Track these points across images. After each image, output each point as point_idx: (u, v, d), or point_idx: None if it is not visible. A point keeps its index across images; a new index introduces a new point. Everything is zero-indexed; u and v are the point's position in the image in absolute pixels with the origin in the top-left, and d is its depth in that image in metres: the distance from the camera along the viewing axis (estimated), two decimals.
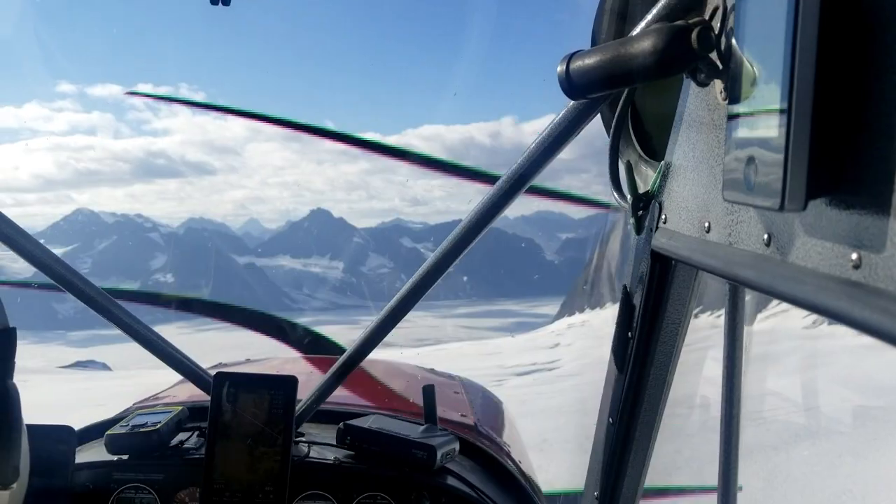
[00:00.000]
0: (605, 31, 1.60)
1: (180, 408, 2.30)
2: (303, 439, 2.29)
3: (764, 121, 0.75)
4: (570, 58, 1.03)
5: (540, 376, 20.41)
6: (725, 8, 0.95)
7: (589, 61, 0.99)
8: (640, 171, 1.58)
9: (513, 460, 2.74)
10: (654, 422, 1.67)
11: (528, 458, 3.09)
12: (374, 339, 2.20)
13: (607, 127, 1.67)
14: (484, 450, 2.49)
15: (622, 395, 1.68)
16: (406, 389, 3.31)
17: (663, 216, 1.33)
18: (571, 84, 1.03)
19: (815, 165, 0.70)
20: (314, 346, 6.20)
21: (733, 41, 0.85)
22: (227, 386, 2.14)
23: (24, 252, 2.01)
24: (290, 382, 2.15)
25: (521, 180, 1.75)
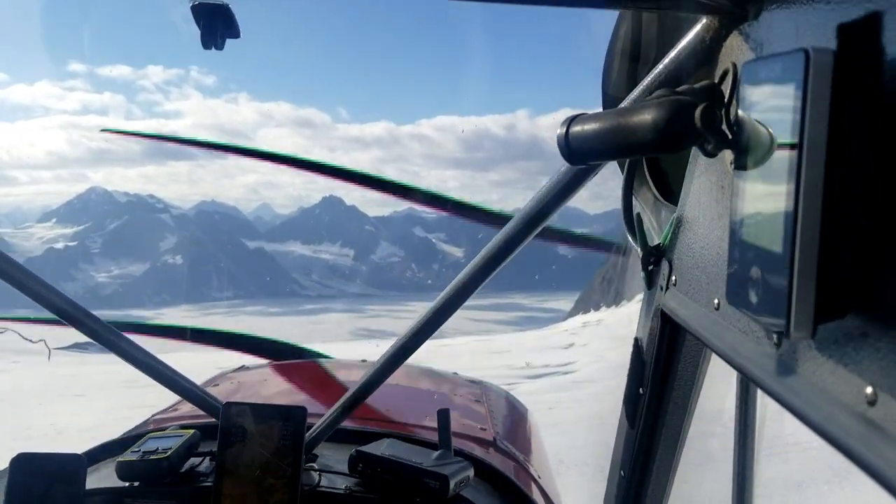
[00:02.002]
0: (615, 73, 1.58)
1: (192, 432, 2.27)
2: (314, 466, 2.24)
3: (769, 227, 0.71)
4: (571, 122, 1.00)
5: (554, 381, 18.79)
6: (736, 73, 0.92)
7: (588, 128, 0.96)
8: (654, 215, 1.57)
9: (533, 478, 2.75)
10: (667, 478, 1.66)
11: (549, 474, 3.10)
12: (386, 369, 2.13)
13: (621, 165, 1.62)
14: (500, 472, 2.44)
15: (634, 450, 1.67)
16: (425, 398, 3.36)
17: (674, 277, 1.29)
18: (570, 150, 1.00)
19: (825, 287, 0.65)
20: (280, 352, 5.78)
21: (742, 113, 0.81)
22: (236, 416, 2.13)
23: (24, 288, 1.98)
24: (299, 413, 2.13)
25: (520, 235, 1.72)
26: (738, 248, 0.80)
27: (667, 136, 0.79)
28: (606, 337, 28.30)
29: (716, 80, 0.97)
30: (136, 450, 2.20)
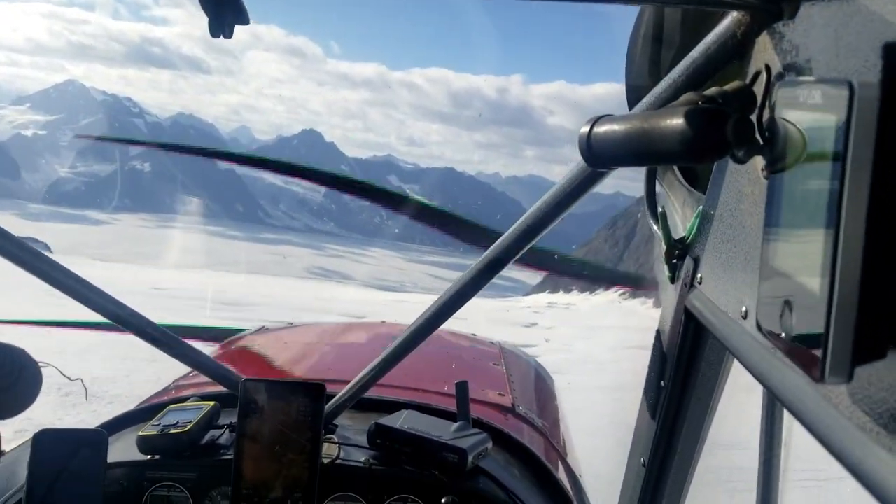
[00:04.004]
0: (638, 58, 1.55)
1: (212, 404, 2.30)
2: (333, 438, 2.29)
3: (805, 253, 0.68)
4: (595, 122, 0.97)
5: None
6: (770, 76, 0.89)
7: (613, 131, 0.93)
8: (679, 201, 1.54)
9: (552, 445, 2.83)
10: (688, 469, 1.68)
11: (569, 440, 3.17)
12: (406, 346, 2.13)
13: None
14: (518, 441, 2.51)
15: (655, 441, 1.69)
16: (444, 362, 3.49)
17: (699, 276, 1.28)
18: (592, 152, 0.98)
19: (865, 328, 0.62)
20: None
21: (774, 119, 0.79)
22: (255, 392, 2.16)
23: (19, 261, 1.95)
24: (317, 390, 2.16)
25: (529, 234, 1.73)
26: (771, 267, 0.78)
27: (696, 149, 0.76)
28: (576, 325, 26.33)
29: (747, 81, 0.94)
30: (157, 423, 2.22)
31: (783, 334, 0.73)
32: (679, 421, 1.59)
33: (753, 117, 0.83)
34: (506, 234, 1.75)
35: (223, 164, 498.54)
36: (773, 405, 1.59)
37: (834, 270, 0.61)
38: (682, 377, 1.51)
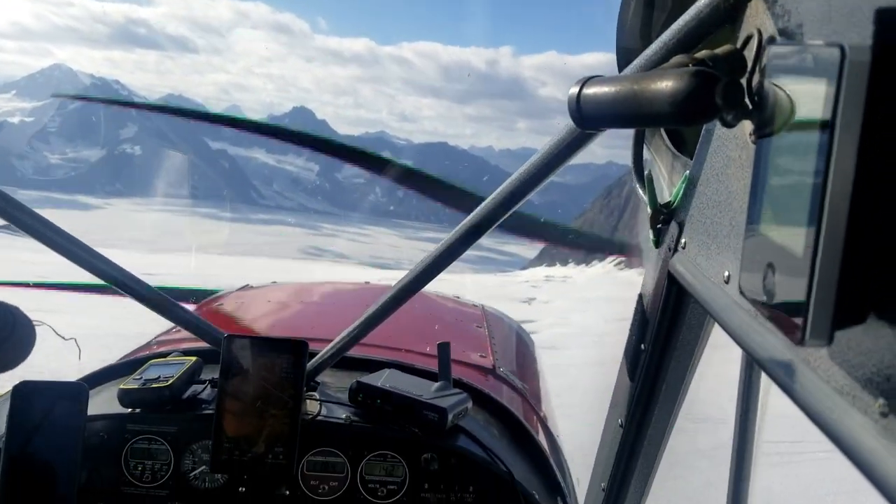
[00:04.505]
0: (630, 19, 1.53)
1: (194, 359, 2.30)
2: (314, 395, 2.30)
3: (789, 218, 0.69)
4: (584, 83, 0.97)
5: None
6: (761, 40, 0.88)
7: (603, 93, 0.93)
8: (665, 165, 1.53)
9: (531, 406, 2.86)
10: (664, 430, 1.71)
11: (548, 402, 3.22)
12: (389, 306, 2.12)
13: None
14: (498, 402, 2.53)
15: (633, 402, 1.71)
16: (427, 323, 3.46)
17: (683, 241, 1.29)
18: (582, 113, 0.98)
19: (846, 293, 0.62)
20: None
21: (764, 85, 0.79)
22: (238, 348, 2.16)
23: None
24: (300, 347, 2.17)
25: (516, 195, 1.69)
26: (755, 231, 0.79)
27: (685, 110, 0.75)
28: (572, 297, 26.29)
29: (738, 45, 0.93)
30: (138, 377, 2.23)
31: (765, 298, 0.73)
32: (658, 383, 1.60)
33: (743, 81, 0.83)
34: (493, 194, 1.71)
35: (215, 145, 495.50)
36: (751, 369, 1.61)
37: (818, 235, 0.61)
38: (662, 340, 1.53)
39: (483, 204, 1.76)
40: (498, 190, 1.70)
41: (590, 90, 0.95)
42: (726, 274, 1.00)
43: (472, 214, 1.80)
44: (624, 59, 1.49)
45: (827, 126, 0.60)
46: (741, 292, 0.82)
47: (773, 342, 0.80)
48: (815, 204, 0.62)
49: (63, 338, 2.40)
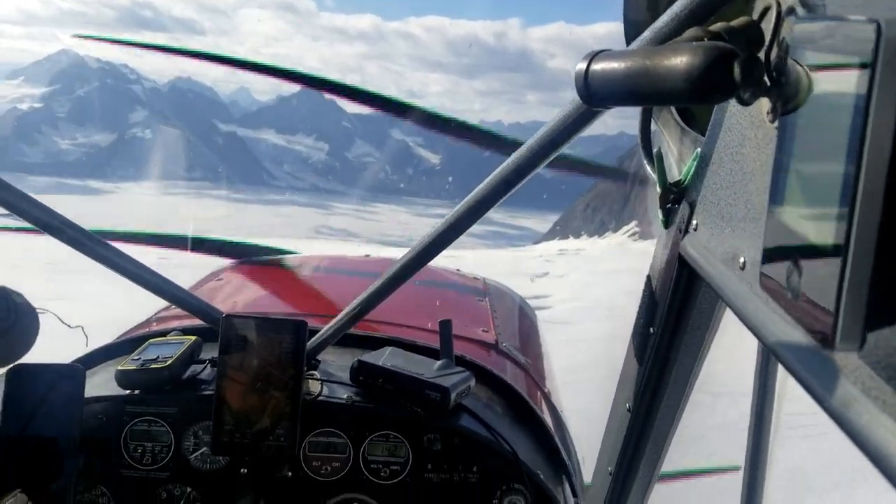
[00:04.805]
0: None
1: (193, 339, 2.27)
2: (315, 374, 2.27)
3: (815, 210, 0.65)
4: (592, 58, 0.92)
5: None
6: (780, 11, 0.82)
7: (612, 68, 0.88)
8: (675, 141, 1.49)
9: (535, 382, 2.82)
10: (673, 416, 1.68)
11: (551, 376, 3.16)
12: (391, 284, 2.09)
13: None
14: (501, 378, 2.50)
15: (641, 387, 1.67)
16: (428, 298, 3.40)
17: (694, 222, 1.24)
18: (590, 90, 0.92)
19: (879, 293, 0.58)
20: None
21: (783, 59, 0.75)
22: (237, 329, 2.13)
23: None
24: (299, 327, 2.14)
25: (520, 172, 1.63)
26: (777, 219, 0.75)
27: (701, 88, 0.71)
28: (586, 270, 26.05)
29: (755, 17, 0.87)
30: (137, 358, 2.19)
31: (788, 294, 0.70)
32: (667, 368, 1.57)
33: (761, 55, 0.78)
34: (497, 169, 1.67)
35: (224, 128, 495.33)
36: (768, 360, 1.58)
37: (850, 228, 0.57)
38: (672, 324, 1.50)
39: (487, 180, 1.69)
40: (503, 165, 1.64)
41: (598, 65, 0.90)
42: (742, 260, 0.96)
43: (474, 192, 1.74)
44: (632, 31, 1.42)
45: (860, 108, 0.56)
46: (761, 284, 0.79)
47: (795, 337, 0.75)
48: (846, 194, 0.57)
49: (69, 325, 2.33)
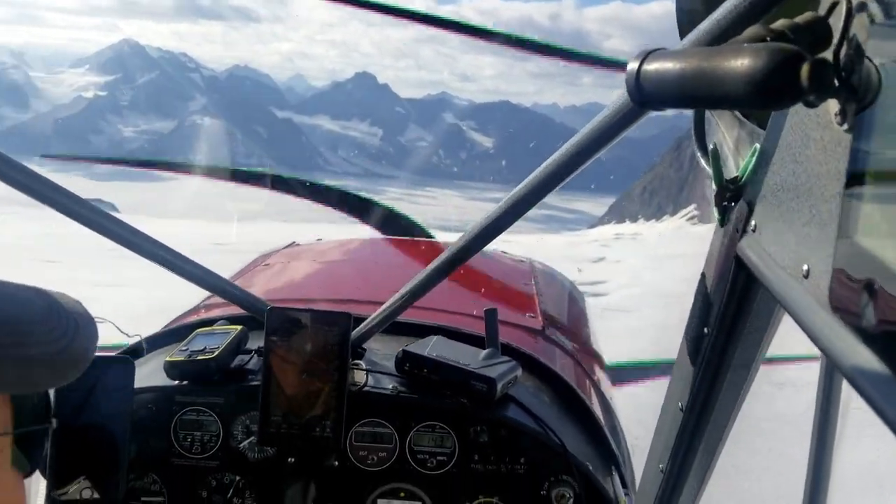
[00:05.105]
0: None
1: (239, 328, 2.31)
2: (360, 364, 2.28)
3: (893, 228, 0.62)
4: (645, 58, 0.88)
5: None
6: (850, 6, 0.76)
7: (666, 69, 0.83)
8: (731, 134, 1.44)
9: (583, 369, 2.79)
10: (728, 416, 1.65)
11: (600, 363, 3.13)
12: (440, 272, 2.07)
13: None
14: (548, 367, 2.49)
15: (695, 386, 1.65)
16: (474, 283, 3.37)
17: (753, 223, 1.19)
18: (642, 92, 0.88)
19: None
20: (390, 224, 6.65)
21: (858, 60, 0.71)
22: (281, 321, 2.15)
23: (27, 189, 1.88)
24: (344, 319, 2.15)
25: (567, 167, 1.59)
26: (850, 234, 0.71)
27: (765, 93, 0.66)
28: (643, 255, 25.44)
29: (822, 13, 0.81)
30: (185, 348, 2.24)
31: (860, 309, 0.67)
32: (722, 370, 1.55)
33: (829, 54, 0.73)
34: (544, 164, 1.65)
35: (280, 114, 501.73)
36: (832, 374, 1.52)
37: None
38: (727, 326, 1.46)
39: (534, 173, 1.67)
40: (551, 158, 1.61)
41: (651, 66, 0.86)
42: (805, 268, 0.92)
43: (523, 183, 1.72)
44: (686, 20, 1.35)
45: None
46: (829, 296, 0.76)
47: (864, 356, 0.71)
48: None
49: (127, 335, 2.38)
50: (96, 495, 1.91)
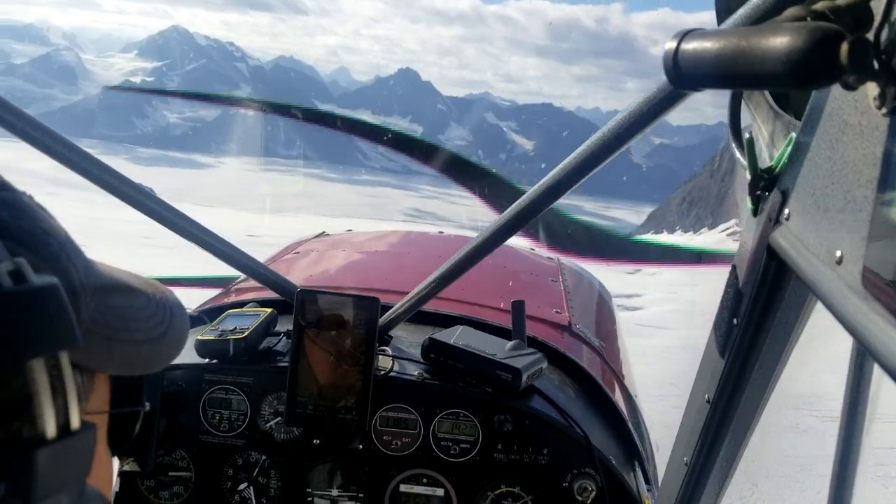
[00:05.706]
0: None
1: (269, 311, 2.35)
2: (387, 350, 2.32)
3: None
4: (683, 38, 0.86)
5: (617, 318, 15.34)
6: None
7: (704, 49, 0.82)
8: (766, 124, 1.41)
9: (608, 365, 2.81)
10: (755, 409, 1.65)
11: (626, 360, 3.15)
12: (466, 262, 2.09)
13: None
14: (574, 361, 2.50)
15: (723, 379, 1.64)
16: (502, 277, 3.40)
17: (787, 211, 1.17)
18: (679, 71, 0.87)
19: None
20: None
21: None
22: (311, 303, 2.18)
23: (72, 164, 1.94)
24: (372, 304, 2.18)
25: (603, 151, 1.61)
26: (883, 216, 0.71)
27: (803, 72, 0.65)
28: (682, 268, 24.80)
29: None
30: (216, 328, 2.29)
31: (894, 293, 0.66)
32: (751, 361, 1.54)
33: (870, 36, 0.72)
34: (579, 149, 1.66)
35: (323, 107, 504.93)
36: (863, 359, 1.53)
37: None
38: (757, 317, 1.44)
39: (568, 158, 1.69)
40: (584, 144, 1.64)
41: (689, 45, 0.85)
42: (838, 254, 0.90)
43: (556, 169, 1.73)
44: (723, 6, 1.34)
45: None
46: (862, 281, 0.75)
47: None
48: None
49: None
50: (136, 468, 1.96)
